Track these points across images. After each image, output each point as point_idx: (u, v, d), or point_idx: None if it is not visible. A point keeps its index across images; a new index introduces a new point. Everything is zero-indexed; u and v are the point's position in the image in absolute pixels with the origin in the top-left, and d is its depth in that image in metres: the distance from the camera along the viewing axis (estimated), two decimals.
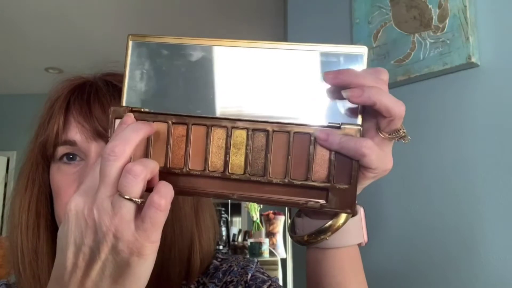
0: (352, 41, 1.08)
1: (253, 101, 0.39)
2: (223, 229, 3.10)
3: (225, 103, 0.39)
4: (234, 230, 3.49)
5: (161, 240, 0.43)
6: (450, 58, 0.87)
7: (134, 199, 0.32)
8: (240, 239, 3.48)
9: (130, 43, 0.40)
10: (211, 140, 0.39)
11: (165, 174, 0.38)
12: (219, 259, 0.62)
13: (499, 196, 0.79)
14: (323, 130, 0.37)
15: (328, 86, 0.38)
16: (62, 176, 0.50)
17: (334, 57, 0.38)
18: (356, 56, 0.38)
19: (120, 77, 0.46)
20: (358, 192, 0.39)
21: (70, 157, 0.50)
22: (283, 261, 3.03)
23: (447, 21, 0.88)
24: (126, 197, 0.32)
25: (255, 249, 2.98)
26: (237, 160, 0.38)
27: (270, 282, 0.57)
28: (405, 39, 0.95)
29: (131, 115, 0.38)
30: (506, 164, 0.79)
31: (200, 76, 0.39)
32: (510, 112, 0.80)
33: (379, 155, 0.37)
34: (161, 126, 0.39)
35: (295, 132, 0.38)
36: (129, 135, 0.34)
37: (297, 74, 0.39)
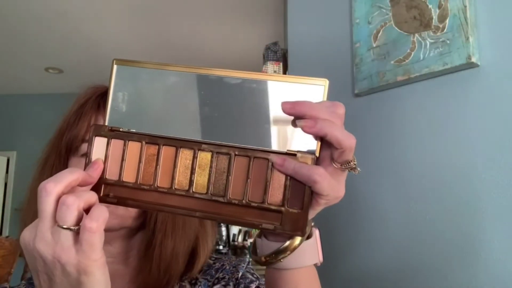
0: (352, 41, 1.08)
1: (220, 126, 0.42)
2: (223, 229, 3.10)
3: (195, 126, 0.42)
4: (234, 230, 3.49)
5: (164, 232, 0.53)
6: (450, 58, 0.87)
7: (70, 228, 0.36)
8: (240, 239, 3.47)
9: (115, 67, 0.44)
10: (179, 160, 0.42)
11: (135, 189, 0.42)
12: (213, 258, 0.66)
13: (499, 196, 0.79)
14: (280, 156, 0.40)
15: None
16: (82, 168, 0.54)
17: (296, 88, 0.41)
18: (316, 88, 0.41)
19: None
20: (311, 216, 0.42)
21: None
22: None
23: (447, 21, 0.88)
24: (63, 226, 0.36)
25: None
26: (201, 180, 0.41)
27: (258, 282, 0.61)
28: (405, 39, 0.95)
29: (100, 160, 0.42)
30: (506, 164, 0.79)
31: (176, 100, 0.43)
32: (510, 112, 0.80)
33: (330, 183, 0.39)
34: (135, 145, 0.43)
35: (255, 157, 0.41)
36: (64, 174, 0.38)
37: (261, 103, 0.42)
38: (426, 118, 0.92)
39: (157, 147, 0.42)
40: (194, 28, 3.10)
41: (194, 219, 0.60)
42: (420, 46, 0.92)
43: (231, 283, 0.61)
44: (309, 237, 0.46)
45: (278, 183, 0.40)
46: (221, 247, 3.01)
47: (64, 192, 0.37)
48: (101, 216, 0.36)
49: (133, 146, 0.43)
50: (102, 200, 0.42)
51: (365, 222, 1.01)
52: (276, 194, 0.40)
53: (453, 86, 0.88)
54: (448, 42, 0.87)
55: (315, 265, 0.48)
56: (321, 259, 0.47)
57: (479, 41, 0.85)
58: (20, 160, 4.19)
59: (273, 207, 0.40)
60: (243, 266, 0.64)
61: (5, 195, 4.16)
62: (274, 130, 0.41)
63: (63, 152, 0.58)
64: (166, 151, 0.42)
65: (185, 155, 0.42)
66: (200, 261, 0.60)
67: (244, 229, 3.79)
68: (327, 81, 0.41)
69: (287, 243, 0.44)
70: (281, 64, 1.78)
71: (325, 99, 0.40)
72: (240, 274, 0.62)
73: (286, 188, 0.40)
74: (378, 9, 1.02)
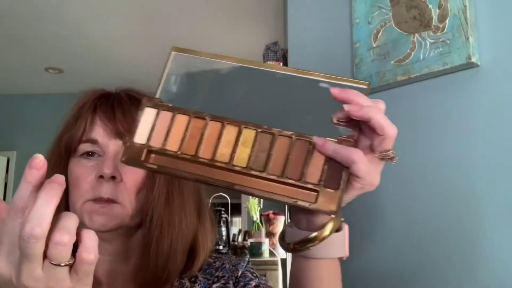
0: (352, 41, 1.08)
1: (265, 118, 0.44)
2: (223, 229, 3.10)
3: (241, 114, 0.45)
4: (234, 230, 3.49)
5: (160, 228, 0.56)
6: (450, 58, 0.87)
7: (67, 263, 0.35)
8: (240, 239, 3.47)
9: (172, 53, 0.48)
10: (224, 135, 0.44)
11: (177, 159, 0.44)
12: (213, 257, 0.67)
13: (499, 196, 0.79)
14: (321, 138, 0.42)
15: (331, 111, 0.43)
16: (81, 167, 0.58)
17: (340, 87, 0.44)
18: (359, 90, 0.44)
19: (139, 91, 0.62)
20: (345, 201, 0.43)
21: (90, 153, 0.59)
22: (283, 261, 3.03)
23: (447, 21, 0.88)
24: (61, 264, 0.34)
25: (255, 249, 2.98)
26: (242, 155, 0.43)
27: (257, 280, 0.63)
28: (405, 39, 0.95)
29: (40, 157, 0.36)
30: (506, 164, 0.79)
31: (225, 89, 0.47)
32: (510, 112, 0.80)
33: (368, 167, 0.40)
34: (183, 118, 0.45)
35: (297, 138, 0.43)
36: (43, 211, 0.34)
37: (306, 98, 0.45)
38: (426, 118, 0.92)
39: (204, 121, 0.45)
40: (194, 28, 3.10)
41: (192, 217, 0.61)
42: (420, 46, 0.92)
43: (230, 282, 0.62)
44: (338, 230, 0.47)
45: (317, 163, 0.42)
46: (221, 247, 3.00)
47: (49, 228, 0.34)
48: (95, 244, 0.35)
49: (181, 119, 0.45)
50: (141, 165, 0.44)
51: (365, 221, 1.01)
52: (313, 173, 0.42)
53: (453, 86, 0.88)
54: (448, 42, 0.87)
55: (341, 259, 0.49)
56: (347, 253, 0.49)
57: (479, 41, 0.85)
58: (20, 160, 4.19)
59: (309, 186, 0.41)
60: (242, 265, 0.65)
61: (5, 195, 4.15)
62: (315, 123, 0.44)
63: (63, 153, 0.60)
64: (212, 125, 0.44)
65: (230, 130, 0.44)
66: (199, 259, 0.61)
67: (244, 229, 3.79)
68: (369, 84, 0.45)
69: (317, 232, 0.46)
70: (281, 64, 1.78)
71: None
72: (239, 273, 0.63)
73: (324, 169, 0.42)
74: (378, 9, 1.02)
